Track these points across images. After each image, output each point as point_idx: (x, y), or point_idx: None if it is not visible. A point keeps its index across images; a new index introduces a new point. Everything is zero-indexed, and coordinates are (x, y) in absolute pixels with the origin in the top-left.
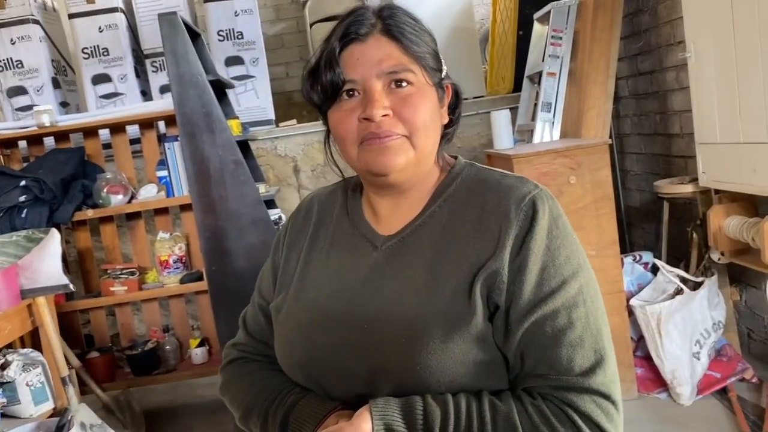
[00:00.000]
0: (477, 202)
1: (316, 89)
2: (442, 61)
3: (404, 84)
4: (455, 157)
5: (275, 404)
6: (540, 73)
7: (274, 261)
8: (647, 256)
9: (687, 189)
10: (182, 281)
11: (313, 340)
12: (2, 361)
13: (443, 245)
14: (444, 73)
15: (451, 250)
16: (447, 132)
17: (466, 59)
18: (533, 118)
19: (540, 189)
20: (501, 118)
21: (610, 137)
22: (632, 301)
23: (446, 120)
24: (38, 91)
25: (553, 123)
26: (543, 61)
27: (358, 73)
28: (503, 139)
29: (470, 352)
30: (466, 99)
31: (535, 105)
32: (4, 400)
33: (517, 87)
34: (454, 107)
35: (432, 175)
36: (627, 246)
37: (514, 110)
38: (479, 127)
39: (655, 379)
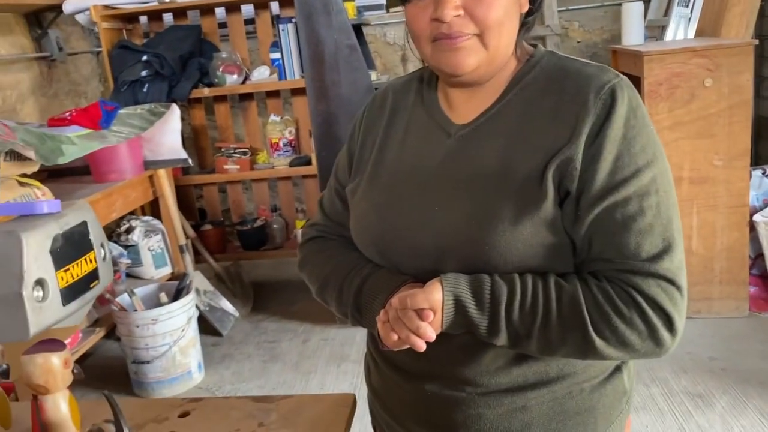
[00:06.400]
0: (555, 90)
1: None
2: None
3: None
4: (535, 46)
5: (350, 276)
6: None
7: (350, 147)
8: None
9: None
10: (291, 164)
11: (386, 220)
12: (127, 225)
13: (518, 133)
14: None
15: (525, 137)
16: (527, 21)
17: None
18: (666, 13)
19: (620, 78)
20: (633, 11)
21: (753, 38)
22: (756, 217)
23: (526, 8)
24: None
25: (689, 19)
26: None
27: None
28: (633, 35)
29: (538, 235)
30: None
31: None
32: (129, 261)
33: None
34: None
35: (509, 66)
36: (754, 159)
37: (645, 4)
38: (603, 21)
39: None
